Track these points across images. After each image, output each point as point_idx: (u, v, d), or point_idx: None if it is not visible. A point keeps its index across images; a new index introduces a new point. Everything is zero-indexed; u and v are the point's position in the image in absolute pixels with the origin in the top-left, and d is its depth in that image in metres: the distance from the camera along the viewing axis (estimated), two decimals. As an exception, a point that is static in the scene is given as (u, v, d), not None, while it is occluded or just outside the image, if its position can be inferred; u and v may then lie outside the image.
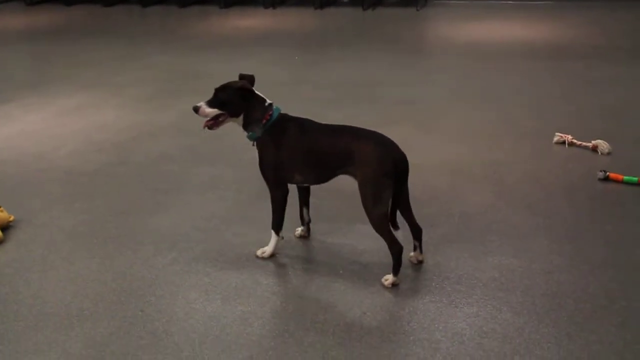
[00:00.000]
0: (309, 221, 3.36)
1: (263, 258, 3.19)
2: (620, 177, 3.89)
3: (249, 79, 3.18)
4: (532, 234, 3.35)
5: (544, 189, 3.87)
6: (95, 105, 5.96)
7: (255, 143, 3.10)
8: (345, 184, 3.28)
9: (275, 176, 3.08)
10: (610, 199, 3.72)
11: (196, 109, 3.05)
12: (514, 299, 2.80)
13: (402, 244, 2.90)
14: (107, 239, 3.45)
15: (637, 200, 3.68)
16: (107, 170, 4.40)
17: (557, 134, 4.58)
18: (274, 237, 3.20)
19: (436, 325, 2.64)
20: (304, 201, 3.31)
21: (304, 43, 8.49)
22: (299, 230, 3.38)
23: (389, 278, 2.94)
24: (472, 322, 2.65)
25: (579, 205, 3.64)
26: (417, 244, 3.08)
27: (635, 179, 3.85)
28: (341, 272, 3.05)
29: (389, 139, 2.94)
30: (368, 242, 3.27)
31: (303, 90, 6.30)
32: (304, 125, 3.05)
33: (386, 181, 2.83)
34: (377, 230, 2.90)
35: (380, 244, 3.06)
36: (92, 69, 7.37)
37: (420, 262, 3.10)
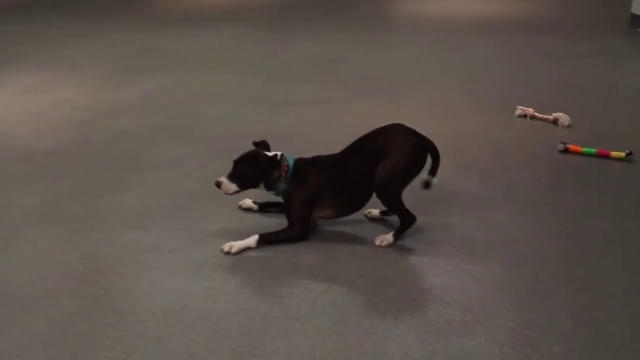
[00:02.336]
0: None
1: (229, 253, 3.01)
2: (579, 148, 3.97)
3: (264, 146, 3.23)
4: (494, 205, 3.41)
5: (505, 161, 3.93)
6: (55, 83, 5.86)
7: (282, 196, 3.15)
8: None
9: (302, 215, 3.09)
10: (570, 170, 3.79)
11: (218, 185, 3.11)
12: (476, 270, 2.85)
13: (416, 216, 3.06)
14: (70, 218, 3.41)
15: (595, 171, 3.76)
16: (69, 149, 4.34)
17: (518, 107, 4.64)
18: (253, 241, 3.05)
19: (399, 297, 2.67)
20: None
21: (270, 19, 8.42)
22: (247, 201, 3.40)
23: (386, 238, 3.05)
24: (435, 293, 2.70)
25: (539, 177, 3.71)
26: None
27: (594, 150, 3.92)
28: (305, 246, 3.06)
29: (413, 130, 3.09)
30: (337, 223, 3.30)
31: (270, 66, 6.28)
32: (323, 162, 3.14)
33: (414, 171, 3.03)
34: (389, 207, 3.10)
35: (349, 225, 3.20)
36: (51, 46, 7.23)
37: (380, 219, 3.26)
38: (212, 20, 8.46)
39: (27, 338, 2.48)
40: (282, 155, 3.11)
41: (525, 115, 4.58)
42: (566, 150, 3.98)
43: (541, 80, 5.49)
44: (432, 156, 3.05)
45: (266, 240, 3.07)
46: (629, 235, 3.09)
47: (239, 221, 3.31)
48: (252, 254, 3.02)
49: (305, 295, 2.69)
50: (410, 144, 3.00)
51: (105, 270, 2.93)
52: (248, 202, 3.42)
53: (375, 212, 3.26)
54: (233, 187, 3.10)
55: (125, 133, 4.59)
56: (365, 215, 3.28)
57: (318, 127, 4.53)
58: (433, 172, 3.04)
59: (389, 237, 3.07)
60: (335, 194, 3.10)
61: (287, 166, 3.10)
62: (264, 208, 3.40)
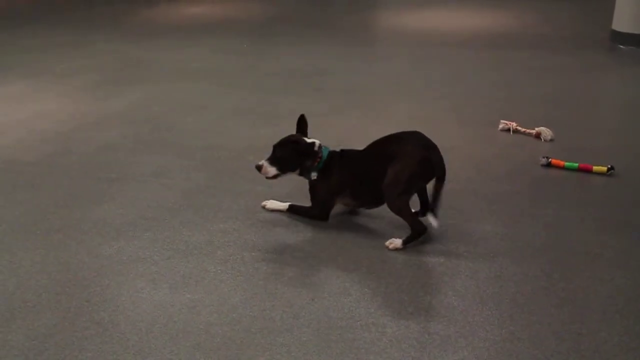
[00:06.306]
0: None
1: (264, 207, 3.49)
2: (561, 163, 4.00)
3: (302, 124, 3.37)
4: (476, 218, 3.42)
5: (488, 174, 3.95)
6: (38, 93, 5.82)
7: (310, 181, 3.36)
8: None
9: (323, 205, 3.34)
10: (552, 184, 3.82)
11: (259, 168, 3.26)
12: (459, 283, 2.86)
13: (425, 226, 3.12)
14: (51, 229, 3.37)
15: (577, 185, 3.79)
16: (51, 160, 4.30)
17: (502, 121, 4.67)
18: (285, 207, 3.46)
19: (383, 310, 2.67)
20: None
21: (253, 31, 8.44)
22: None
23: (395, 242, 3.10)
24: (418, 306, 2.70)
25: (522, 191, 3.74)
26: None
27: (576, 164, 3.96)
28: (288, 258, 3.06)
29: (429, 143, 3.14)
30: (320, 233, 3.30)
31: (252, 78, 6.28)
32: (349, 157, 3.30)
33: (419, 182, 3.14)
34: (397, 214, 3.14)
35: (332, 236, 3.19)
36: (35, 57, 7.19)
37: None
38: (195, 32, 8.46)
39: (6, 351, 2.45)
40: (319, 145, 3.25)
41: (508, 129, 4.61)
42: (548, 165, 4.02)
43: (524, 94, 5.54)
44: (435, 179, 3.09)
45: (294, 210, 3.43)
46: (610, 248, 3.11)
47: (222, 232, 3.30)
48: (236, 265, 3.01)
49: (288, 308, 2.68)
50: (418, 155, 3.06)
51: (86, 281, 2.90)
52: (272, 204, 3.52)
53: (397, 241, 3.12)
54: (273, 170, 3.24)
55: (107, 144, 4.56)
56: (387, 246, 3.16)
57: (302, 139, 4.53)
58: (433, 205, 3.09)
59: (398, 242, 3.12)
60: (355, 187, 3.25)
61: (321, 157, 3.25)
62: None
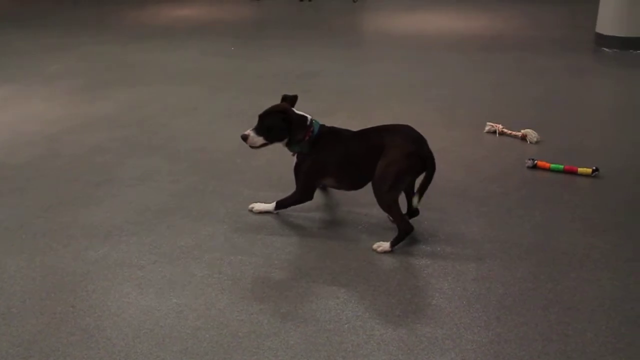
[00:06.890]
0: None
1: (251, 211, 3.47)
2: (547, 165, 4.01)
3: (291, 100, 3.34)
4: (463, 220, 3.43)
5: (475, 176, 3.96)
6: (25, 96, 5.78)
7: (295, 154, 3.32)
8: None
9: (307, 183, 3.32)
10: (538, 186, 3.83)
11: (244, 138, 3.22)
12: (446, 285, 2.86)
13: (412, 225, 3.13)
14: (37, 233, 3.35)
15: (562, 187, 3.80)
16: (38, 163, 4.27)
17: (488, 123, 4.69)
18: (272, 207, 3.43)
19: (370, 313, 2.67)
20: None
21: (242, 34, 8.44)
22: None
23: (383, 245, 3.09)
24: (405, 309, 2.70)
25: (508, 193, 3.75)
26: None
27: (562, 166, 3.98)
28: (276, 262, 3.05)
29: (419, 136, 3.14)
30: (308, 236, 3.29)
31: (242, 80, 6.27)
32: (339, 136, 3.28)
33: (407, 177, 3.11)
34: (386, 211, 3.15)
35: (320, 238, 3.20)
36: (22, 59, 7.14)
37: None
38: (185, 34, 8.44)
39: (-10, 357, 2.43)
40: (311, 120, 3.23)
41: (494, 132, 4.63)
42: (534, 167, 4.03)
43: (512, 96, 5.56)
44: (426, 172, 3.09)
45: (280, 205, 3.41)
46: (596, 250, 3.12)
47: (209, 236, 3.29)
48: (222, 269, 3.00)
49: (275, 312, 2.68)
50: (406, 149, 3.06)
51: (72, 286, 2.88)
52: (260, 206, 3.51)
53: (386, 244, 3.11)
54: (260, 140, 3.20)
55: (95, 147, 4.54)
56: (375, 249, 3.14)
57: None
58: (421, 190, 3.09)
59: (386, 245, 3.10)
60: (339, 167, 3.24)
61: (312, 132, 3.21)
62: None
